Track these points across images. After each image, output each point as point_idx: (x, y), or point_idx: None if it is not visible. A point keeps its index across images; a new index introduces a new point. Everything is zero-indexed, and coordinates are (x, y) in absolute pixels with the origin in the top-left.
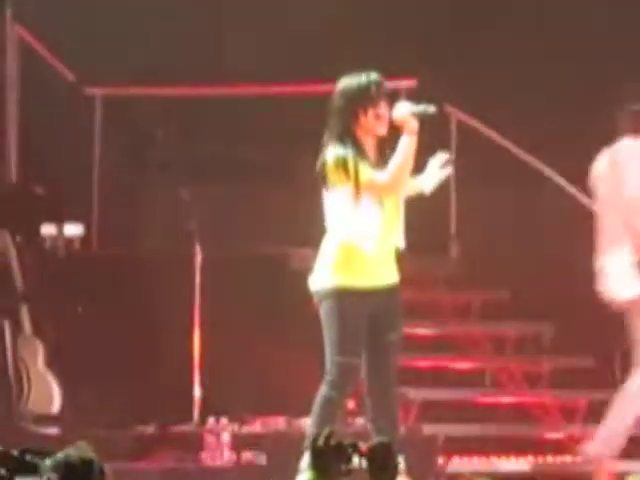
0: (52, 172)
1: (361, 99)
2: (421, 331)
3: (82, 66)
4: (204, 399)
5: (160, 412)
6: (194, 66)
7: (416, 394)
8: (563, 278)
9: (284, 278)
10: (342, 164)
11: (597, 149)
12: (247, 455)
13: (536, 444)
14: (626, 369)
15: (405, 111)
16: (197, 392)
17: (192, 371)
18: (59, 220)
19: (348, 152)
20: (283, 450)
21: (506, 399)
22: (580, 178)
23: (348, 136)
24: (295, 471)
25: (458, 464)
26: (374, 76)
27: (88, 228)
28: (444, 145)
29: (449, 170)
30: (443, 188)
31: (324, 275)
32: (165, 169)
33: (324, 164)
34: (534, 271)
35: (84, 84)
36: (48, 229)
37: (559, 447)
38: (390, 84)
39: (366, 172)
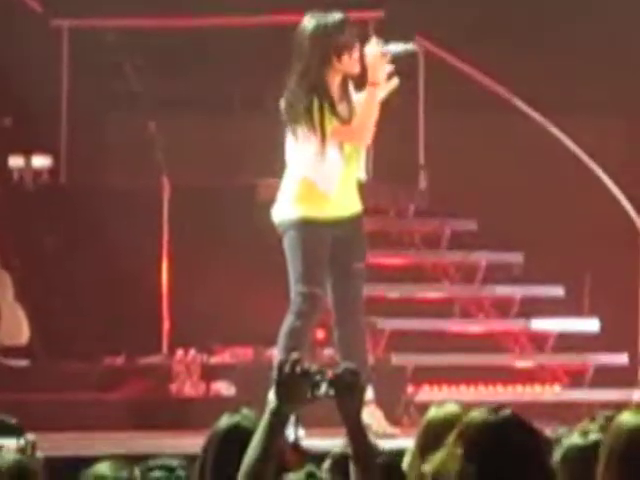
0: (20, 104)
1: (335, 45)
2: (390, 261)
3: None
4: (172, 330)
5: (129, 343)
6: None
7: (385, 324)
8: (533, 207)
9: (251, 209)
10: (309, 117)
11: (566, 79)
12: (216, 386)
13: (506, 373)
14: (595, 297)
15: (375, 52)
16: (166, 323)
17: (161, 302)
18: (27, 152)
19: (314, 101)
20: (252, 381)
21: (476, 328)
22: (548, 107)
23: (318, 82)
24: (264, 402)
25: (427, 393)
26: (341, 17)
27: (56, 160)
28: (412, 75)
29: (396, 81)
30: (411, 118)
31: (286, 207)
32: (133, 101)
33: (290, 109)
34: (504, 200)
35: (51, 16)
36: (16, 161)
37: (529, 376)
38: (357, 15)
39: (332, 124)
